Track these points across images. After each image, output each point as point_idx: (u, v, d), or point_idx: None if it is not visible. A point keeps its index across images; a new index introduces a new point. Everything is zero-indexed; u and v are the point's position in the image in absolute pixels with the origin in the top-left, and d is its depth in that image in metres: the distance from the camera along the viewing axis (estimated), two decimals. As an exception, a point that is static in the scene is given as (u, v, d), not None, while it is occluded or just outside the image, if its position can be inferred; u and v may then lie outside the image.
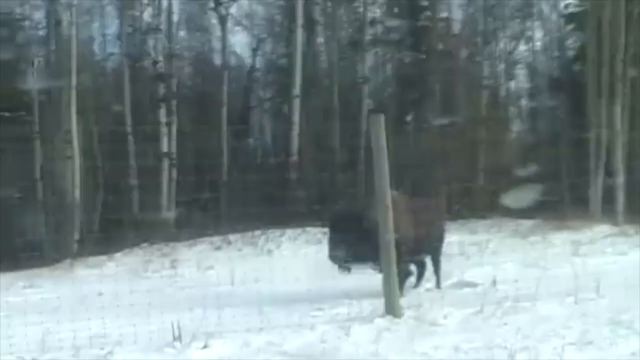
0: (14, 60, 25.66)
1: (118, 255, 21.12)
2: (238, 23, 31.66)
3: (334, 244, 11.14)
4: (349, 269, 11.09)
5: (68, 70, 23.94)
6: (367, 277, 11.00)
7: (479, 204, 29.65)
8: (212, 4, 29.83)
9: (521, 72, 37.43)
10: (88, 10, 28.89)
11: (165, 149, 26.63)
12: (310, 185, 26.53)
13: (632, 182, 29.68)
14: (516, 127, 37.27)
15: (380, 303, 9.01)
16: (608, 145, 28.92)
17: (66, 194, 23.74)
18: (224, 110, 28.49)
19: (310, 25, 30.25)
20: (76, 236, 23.42)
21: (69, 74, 23.90)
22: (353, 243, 10.44)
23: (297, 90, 27.86)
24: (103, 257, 20.80)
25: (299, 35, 28.15)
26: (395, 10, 32.68)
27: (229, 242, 22.35)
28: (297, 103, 27.79)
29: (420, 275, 12.32)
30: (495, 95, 35.08)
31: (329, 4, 31.23)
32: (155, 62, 27.02)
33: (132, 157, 26.53)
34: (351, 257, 10.84)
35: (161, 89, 26.98)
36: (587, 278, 10.72)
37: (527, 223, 25.90)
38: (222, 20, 29.71)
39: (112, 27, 29.48)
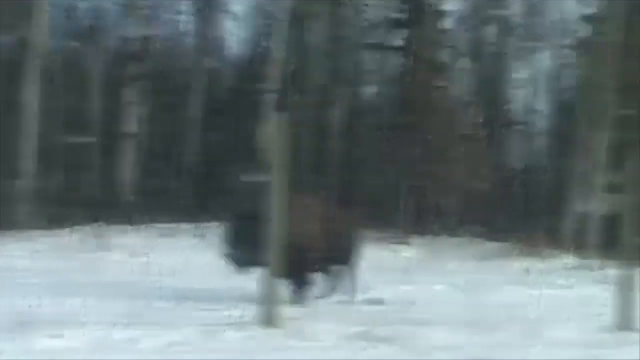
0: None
1: (65, 232, 20.61)
2: (224, 10, 30.85)
3: (229, 244, 10.63)
4: (246, 270, 10.48)
5: (33, 41, 23.33)
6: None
7: (454, 222, 29.14)
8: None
9: (520, 93, 36.92)
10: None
11: (129, 129, 26.02)
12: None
13: (613, 216, 29.12)
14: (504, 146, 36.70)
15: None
16: (589, 175, 28.46)
17: (21, 165, 23.18)
18: (195, 98, 27.84)
19: (300, 21, 29.75)
20: (25, 208, 22.83)
21: (34, 45, 23.28)
22: (249, 244, 9.82)
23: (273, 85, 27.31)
24: (44, 232, 20.31)
25: (282, 29, 27.56)
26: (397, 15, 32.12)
27: (179, 231, 21.87)
28: (270, 98, 27.21)
29: (331, 286, 11.74)
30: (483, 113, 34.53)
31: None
32: (129, 40, 26.35)
33: (95, 134, 25.90)
34: (245, 259, 10.26)
35: (132, 68, 26.35)
36: (503, 310, 10.31)
37: (495, 246, 25.48)
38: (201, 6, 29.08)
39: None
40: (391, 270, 16.27)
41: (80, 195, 24.51)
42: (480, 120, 32.61)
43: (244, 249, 10.08)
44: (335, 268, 11.65)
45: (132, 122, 26.27)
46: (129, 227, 21.86)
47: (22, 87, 23.63)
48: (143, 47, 27.29)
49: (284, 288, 10.70)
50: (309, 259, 10.69)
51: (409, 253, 22.39)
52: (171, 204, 24.68)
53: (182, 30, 31.19)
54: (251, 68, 31.83)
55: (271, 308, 8.32)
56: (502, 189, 29.86)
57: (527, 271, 17.79)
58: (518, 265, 21.09)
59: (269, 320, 8.26)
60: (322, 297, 11.45)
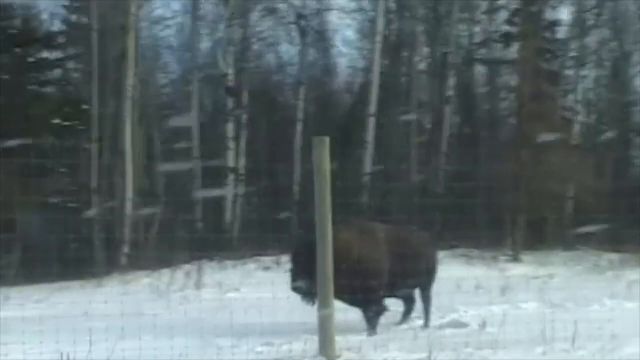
0: (72, 69, 25.38)
1: (164, 270, 20.57)
2: (320, 37, 30.67)
3: (296, 274, 10.25)
4: (312, 301, 10.03)
5: (126, 81, 23.55)
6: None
7: (568, 235, 28.22)
8: (292, 18, 29.13)
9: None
10: (156, 18, 28.55)
11: (231, 164, 26.06)
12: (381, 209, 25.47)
13: None
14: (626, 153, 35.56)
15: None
16: None
17: (120, 207, 23.36)
18: (298, 127, 27.69)
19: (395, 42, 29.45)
20: (125, 249, 22.98)
21: (126, 85, 23.49)
22: (312, 275, 9.34)
23: (372, 108, 26.95)
24: (146, 272, 20.32)
25: (377, 51, 27.25)
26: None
27: (279, 264, 21.56)
28: (371, 122, 26.86)
29: (407, 311, 11.25)
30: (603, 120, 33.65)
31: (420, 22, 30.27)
32: (224, 75, 26.45)
33: (197, 171, 25.97)
34: (310, 289, 9.81)
35: (230, 102, 26.46)
36: (590, 326, 9.70)
37: (611, 257, 24.56)
38: (303, 34, 28.95)
39: (181, 37, 28.90)
40: (488, 289, 15.60)
41: (184, 232, 24.53)
42: (598, 128, 31.78)
43: (308, 280, 9.63)
44: (409, 292, 11.16)
45: (236, 156, 26.33)
46: (231, 263, 21.74)
47: (120, 128, 23.86)
48: (244, 79, 27.41)
49: (358, 316, 10.39)
50: (377, 284, 10.26)
51: (517, 270, 21.68)
52: (276, 237, 24.48)
53: (286, 59, 31.17)
54: (357, 94, 31.58)
55: (325, 340, 7.94)
56: (624, 198, 28.89)
57: (635, 283, 16.83)
58: (630, 277, 20.17)
59: (324, 352, 7.90)
60: (396, 323, 11.00)
